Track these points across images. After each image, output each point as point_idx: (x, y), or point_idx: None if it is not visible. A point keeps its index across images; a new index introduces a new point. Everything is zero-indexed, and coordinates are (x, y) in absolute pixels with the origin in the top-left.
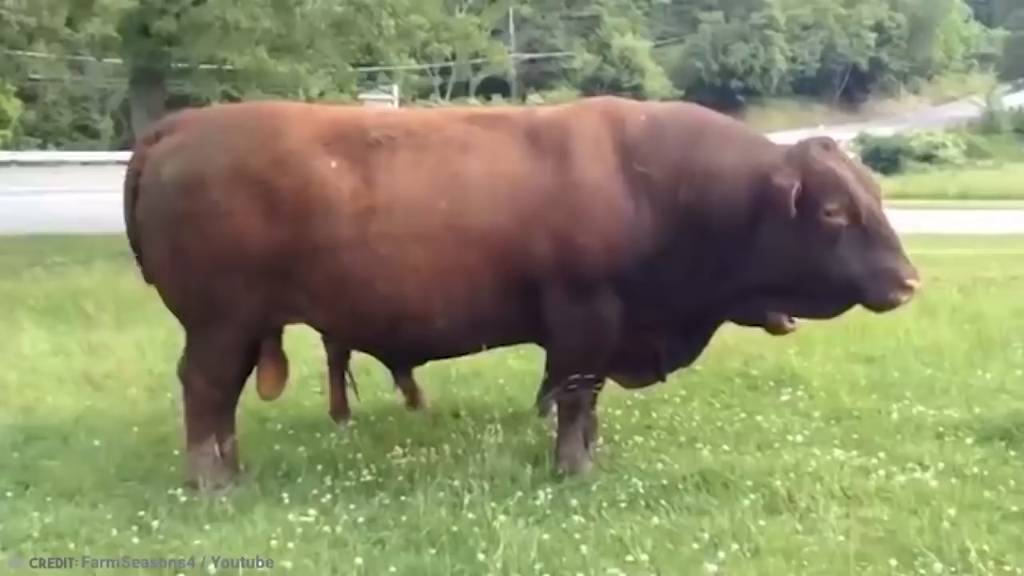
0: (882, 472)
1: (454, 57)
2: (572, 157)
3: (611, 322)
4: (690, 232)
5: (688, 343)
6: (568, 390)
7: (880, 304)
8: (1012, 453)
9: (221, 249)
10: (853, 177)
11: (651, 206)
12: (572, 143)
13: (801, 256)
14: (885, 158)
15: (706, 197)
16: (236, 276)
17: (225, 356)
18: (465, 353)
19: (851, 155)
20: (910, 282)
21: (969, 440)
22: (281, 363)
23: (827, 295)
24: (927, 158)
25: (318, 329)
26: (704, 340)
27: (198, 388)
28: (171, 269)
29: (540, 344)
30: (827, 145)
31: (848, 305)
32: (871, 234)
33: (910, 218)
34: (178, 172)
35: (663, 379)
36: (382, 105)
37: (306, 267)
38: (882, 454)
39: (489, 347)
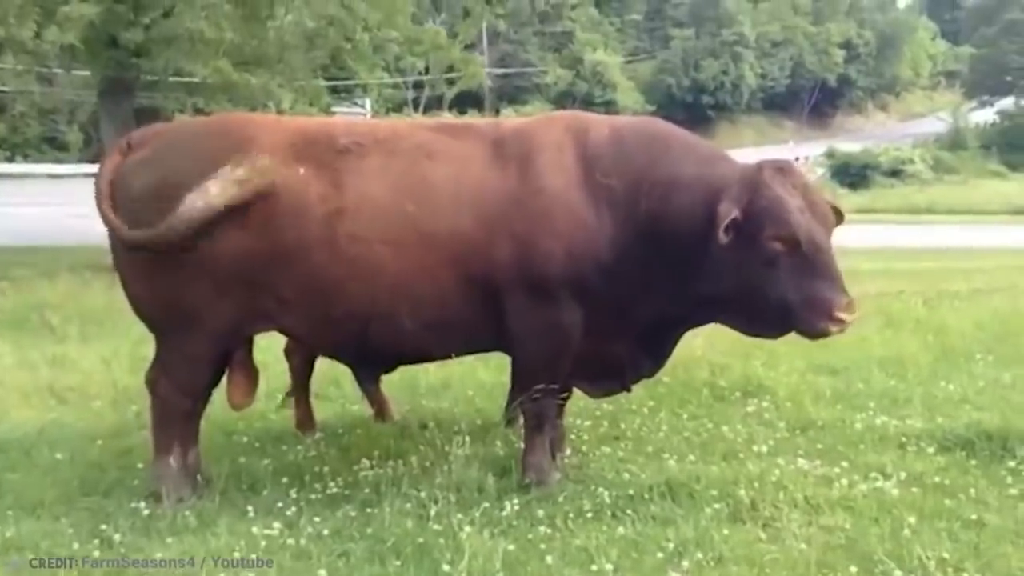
0: (845, 481)
1: (428, 71)
2: (535, 166)
3: (572, 330)
4: (649, 242)
5: (651, 353)
6: (533, 399)
7: (810, 333)
8: (972, 462)
9: (191, 256)
10: (800, 204)
11: (611, 215)
12: (536, 152)
13: (742, 275)
14: (853, 173)
15: (665, 208)
16: (206, 283)
17: (195, 365)
18: (434, 359)
19: (820, 170)
20: (840, 315)
21: (931, 450)
22: (251, 373)
23: (765, 316)
24: (895, 173)
25: (289, 335)
26: (667, 350)
27: (166, 397)
28: (142, 278)
29: (507, 353)
30: (782, 168)
31: (787, 328)
32: (809, 263)
33: (878, 232)
34: (147, 181)
35: (628, 389)
36: (353, 118)
37: (276, 271)
38: (845, 463)
39: (458, 354)
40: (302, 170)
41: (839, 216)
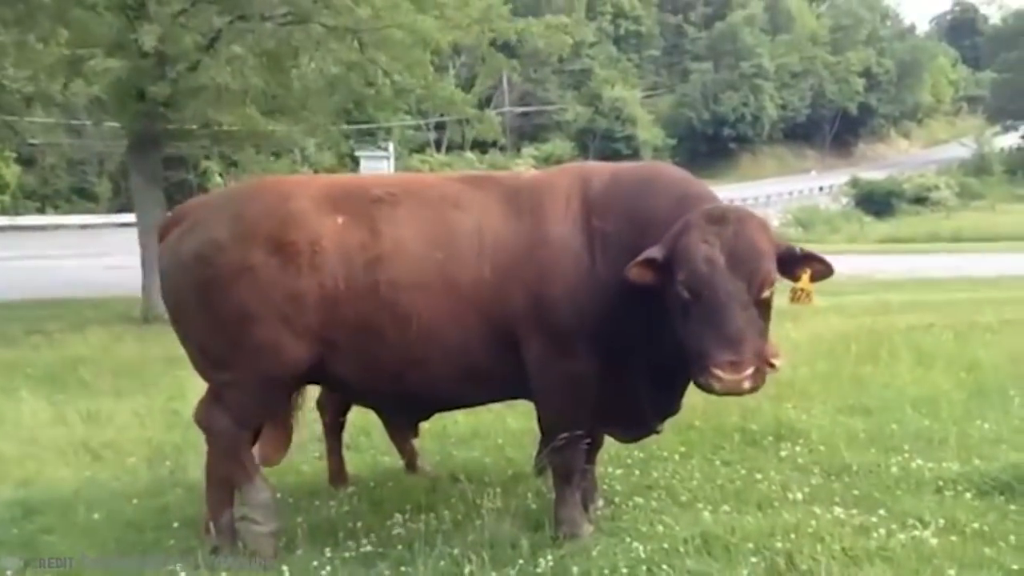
0: (882, 530)
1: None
2: (543, 215)
3: (589, 376)
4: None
5: (668, 392)
6: (558, 448)
7: (698, 386)
8: (1012, 507)
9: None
10: (709, 254)
11: (603, 257)
12: (545, 202)
13: (673, 319)
14: (878, 201)
15: (639, 247)
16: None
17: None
18: (466, 406)
19: (844, 199)
20: (717, 371)
21: (968, 495)
22: (286, 430)
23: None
24: (920, 200)
25: (330, 383)
26: (682, 387)
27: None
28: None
29: (532, 402)
30: (713, 216)
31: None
32: (707, 314)
33: (904, 262)
34: (195, 245)
35: (656, 431)
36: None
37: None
38: (882, 511)
39: (490, 401)
40: (340, 219)
41: (826, 268)
